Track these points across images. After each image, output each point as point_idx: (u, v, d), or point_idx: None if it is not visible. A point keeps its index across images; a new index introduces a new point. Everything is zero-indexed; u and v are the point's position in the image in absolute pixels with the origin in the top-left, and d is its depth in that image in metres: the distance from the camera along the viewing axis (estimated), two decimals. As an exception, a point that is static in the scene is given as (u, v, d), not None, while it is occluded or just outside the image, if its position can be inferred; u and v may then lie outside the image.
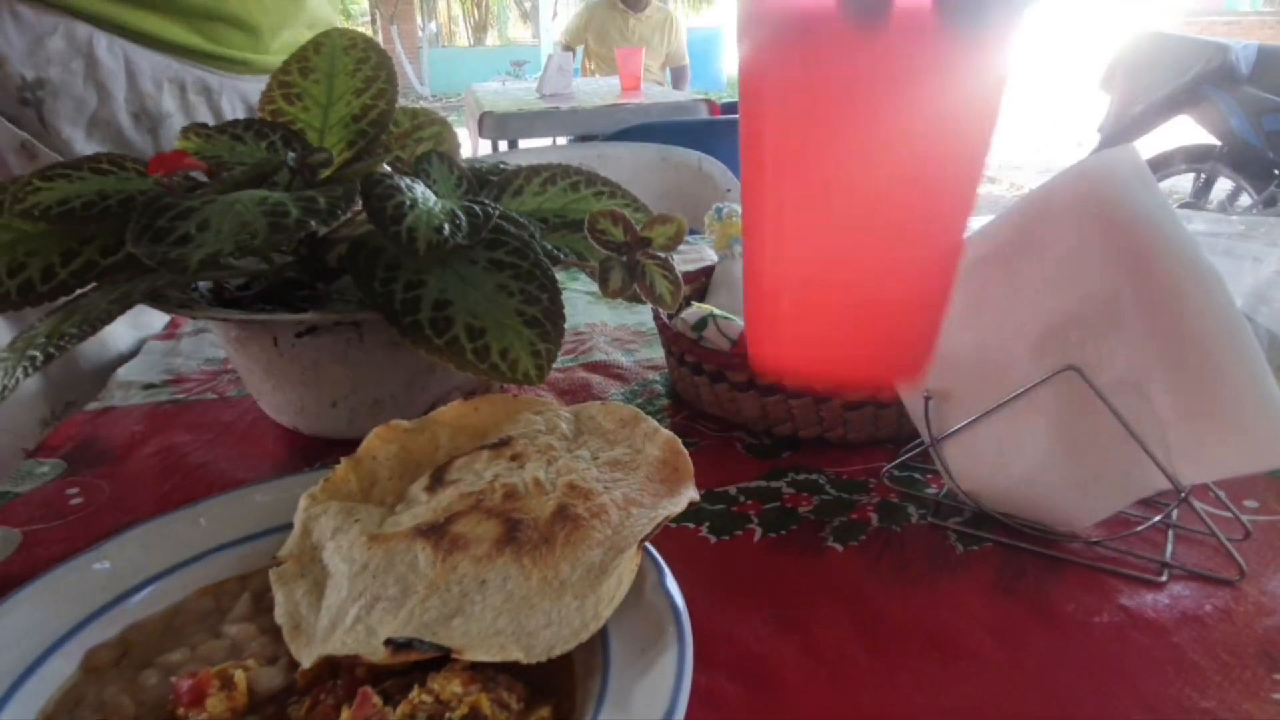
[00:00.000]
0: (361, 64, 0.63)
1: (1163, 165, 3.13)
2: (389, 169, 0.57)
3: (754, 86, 0.32)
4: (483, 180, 0.65)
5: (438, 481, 0.40)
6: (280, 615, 0.34)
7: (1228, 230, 0.56)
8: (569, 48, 4.27)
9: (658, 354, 0.72)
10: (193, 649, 0.35)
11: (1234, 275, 0.52)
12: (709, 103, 2.97)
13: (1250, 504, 0.48)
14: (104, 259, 0.51)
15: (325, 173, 0.57)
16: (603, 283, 0.52)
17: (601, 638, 0.33)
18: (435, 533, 0.36)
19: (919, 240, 0.33)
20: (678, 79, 4.25)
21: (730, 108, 2.90)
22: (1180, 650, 0.38)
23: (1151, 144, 3.02)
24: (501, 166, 0.67)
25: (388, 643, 0.31)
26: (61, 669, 0.34)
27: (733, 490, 0.51)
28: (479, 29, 15.10)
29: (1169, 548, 0.44)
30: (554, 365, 0.72)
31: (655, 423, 0.42)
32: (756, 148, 0.33)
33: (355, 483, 0.41)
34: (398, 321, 0.47)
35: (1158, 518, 0.46)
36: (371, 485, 0.41)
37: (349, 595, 0.34)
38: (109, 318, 0.46)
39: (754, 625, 0.40)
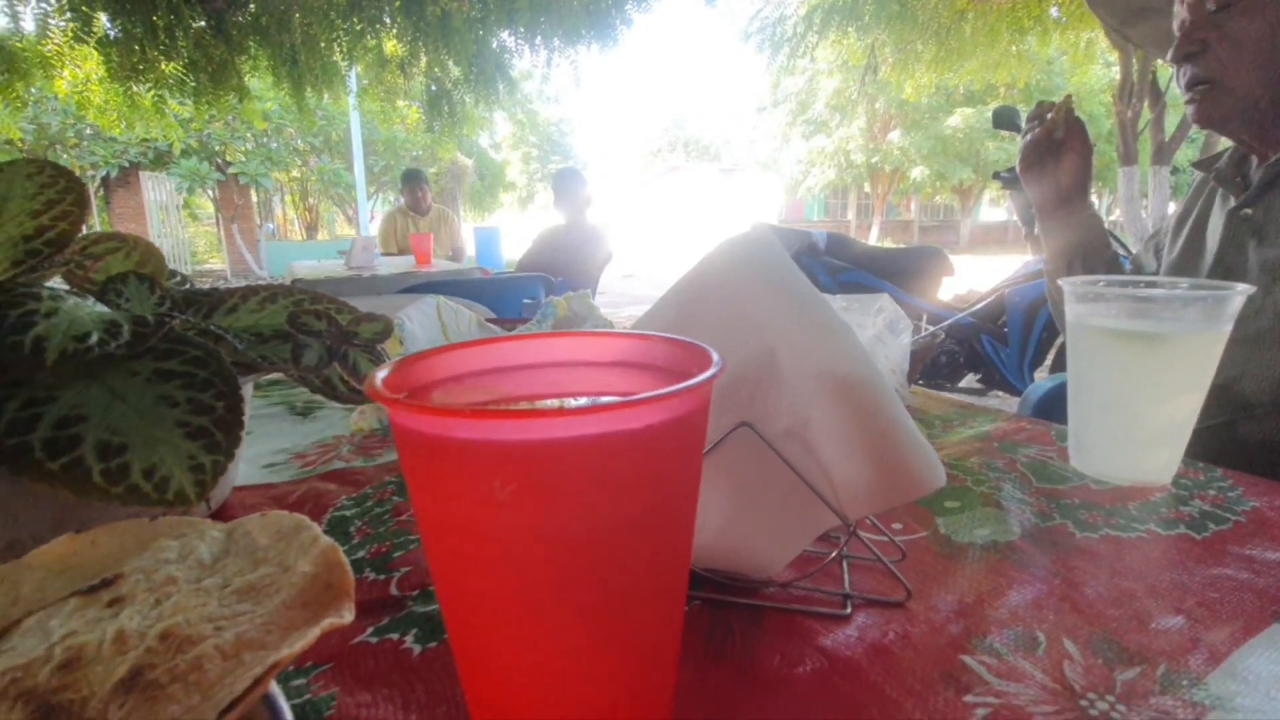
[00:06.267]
0: (45, 188, 0.43)
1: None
2: (27, 282, 0.37)
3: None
4: (192, 300, 0.46)
5: (-18, 655, 0.21)
6: None
7: (834, 306, 0.51)
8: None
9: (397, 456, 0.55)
10: None
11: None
12: (482, 270, 2.87)
13: (896, 526, 0.41)
14: None
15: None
16: (295, 360, 0.36)
17: None
18: (-95, 753, 0.17)
19: (620, 624, 0.21)
20: (457, 259, 4.19)
21: (499, 275, 2.83)
22: (878, 687, 0.27)
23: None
24: (219, 288, 0.49)
25: None
26: None
27: (449, 585, 0.35)
28: (310, 228, 14.09)
29: (846, 579, 0.35)
30: (295, 475, 0.54)
31: (318, 531, 0.25)
32: (424, 534, 0.21)
33: None
34: (-6, 446, 0.28)
35: (835, 552, 0.36)
36: (-125, 677, 0.21)
37: None
38: None
39: (444, 760, 0.24)
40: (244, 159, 10.22)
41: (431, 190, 4.35)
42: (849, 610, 0.32)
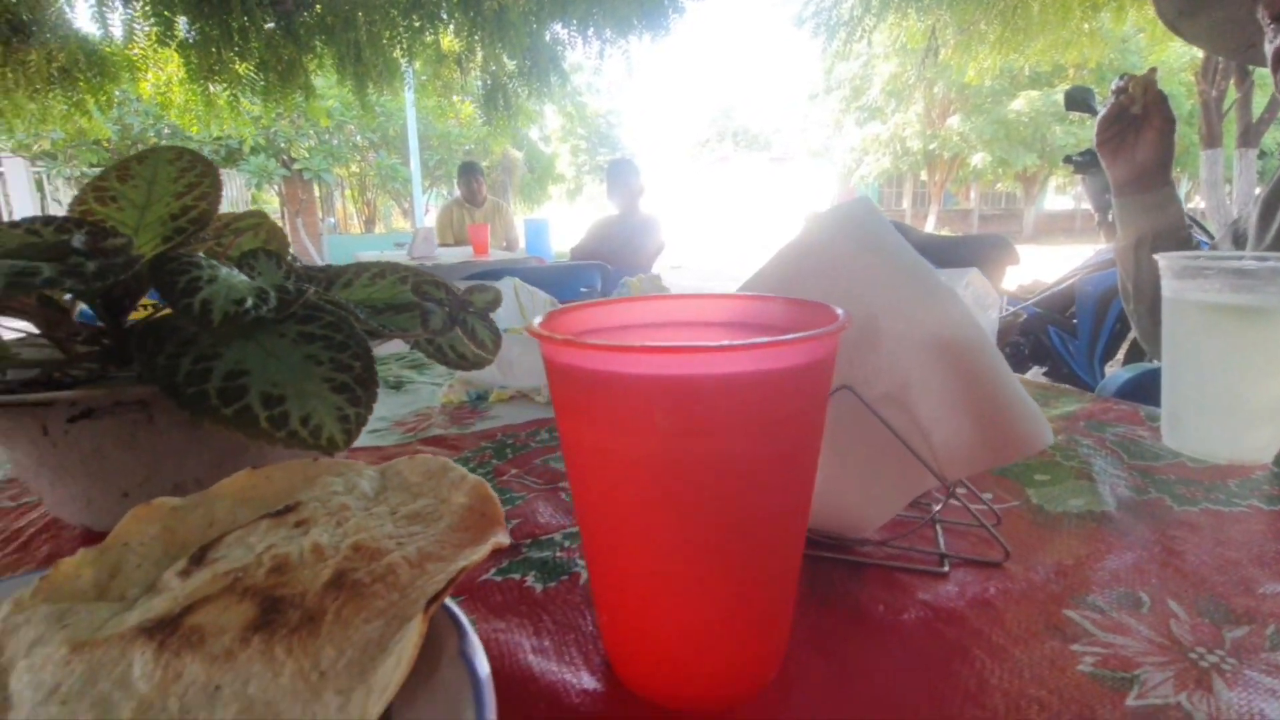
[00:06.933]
0: (185, 172, 0.47)
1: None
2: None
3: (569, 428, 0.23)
4: (310, 276, 0.50)
5: (196, 562, 0.24)
6: (-91, 784, 0.17)
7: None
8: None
9: (491, 425, 0.59)
10: None
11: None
12: (538, 259, 2.93)
13: (987, 496, 0.41)
14: None
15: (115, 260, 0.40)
16: (424, 323, 0.39)
17: (383, 738, 0.18)
18: (165, 629, 0.20)
19: (751, 554, 0.22)
20: (512, 249, 4.28)
21: (555, 264, 2.88)
22: (983, 634, 0.28)
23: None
24: (331, 266, 0.53)
25: (29, 815, 0.15)
26: None
27: (558, 537, 0.38)
28: (368, 222, 14.58)
29: (940, 540, 0.36)
30: (399, 440, 0.58)
31: (464, 470, 0.28)
32: (575, 469, 0.23)
33: (89, 577, 0.24)
34: (178, 393, 0.32)
35: (936, 509, 0.37)
36: (113, 578, 0.25)
37: (20, 736, 0.18)
38: None
39: (584, 679, 0.26)
40: (307, 155, 10.65)
41: (486, 183, 4.45)
42: (946, 569, 0.33)
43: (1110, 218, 2.60)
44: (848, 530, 0.36)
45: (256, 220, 0.48)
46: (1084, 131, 12.30)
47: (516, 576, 0.34)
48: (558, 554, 0.36)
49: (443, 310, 0.39)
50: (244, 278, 0.41)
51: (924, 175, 16.29)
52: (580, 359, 0.20)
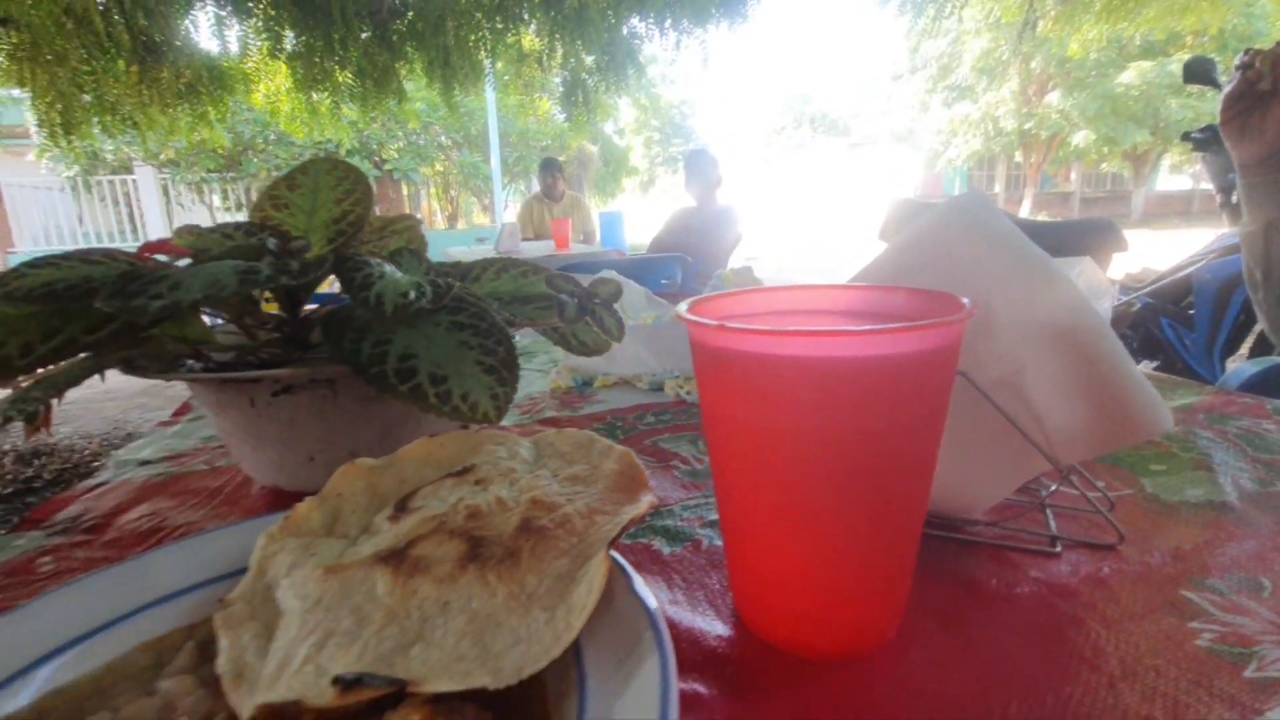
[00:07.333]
0: (342, 180, 0.54)
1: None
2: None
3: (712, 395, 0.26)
4: (447, 272, 0.56)
5: (401, 510, 0.29)
6: (222, 663, 0.23)
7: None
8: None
9: (598, 409, 0.63)
10: (115, 711, 0.22)
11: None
12: (619, 252, 3.00)
13: (1100, 484, 0.42)
14: (86, 336, 0.39)
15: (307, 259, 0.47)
16: (560, 313, 0.44)
17: (574, 654, 0.22)
18: (395, 558, 0.25)
19: (880, 519, 0.25)
20: (589, 242, 4.37)
21: (636, 256, 2.93)
22: (1098, 609, 0.29)
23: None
24: (460, 262, 0.59)
25: (335, 681, 0.20)
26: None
27: (676, 509, 0.42)
28: (451, 218, 15.20)
29: (1051, 524, 0.37)
30: (515, 421, 0.63)
31: (609, 441, 0.32)
32: (721, 441, 0.27)
33: (318, 520, 0.30)
34: (365, 373, 0.37)
35: (1046, 491, 0.38)
36: (335, 521, 0.30)
37: (299, 634, 0.23)
38: (77, 380, 0.34)
39: (717, 627, 0.30)
40: (397, 156, 11.21)
41: (563, 177, 4.57)
42: (1058, 549, 0.34)
43: (1234, 199, 2.38)
44: (958, 511, 0.37)
45: (409, 224, 0.54)
46: (1204, 104, 11.20)
47: (645, 541, 0.37)
48: (678, 523, 0.39)
49: (574, 302, 0.44)
50: (400, 273, 0.46)
51: (1018, 157, 15.31)
52: (733, 342, 0.24)
